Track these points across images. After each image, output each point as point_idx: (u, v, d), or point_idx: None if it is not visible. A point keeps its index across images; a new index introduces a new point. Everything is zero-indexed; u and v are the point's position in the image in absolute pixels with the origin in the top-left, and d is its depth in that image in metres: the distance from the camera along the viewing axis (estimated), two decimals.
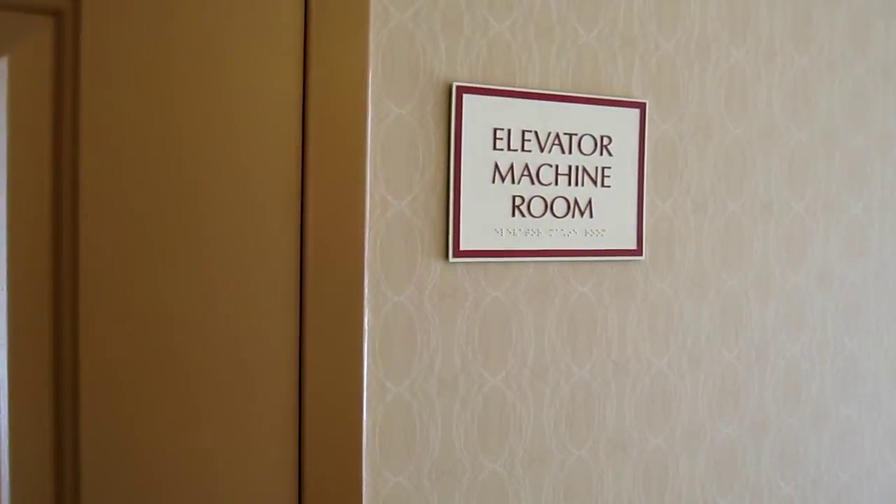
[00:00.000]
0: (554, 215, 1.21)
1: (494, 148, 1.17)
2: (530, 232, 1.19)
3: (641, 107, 1.27)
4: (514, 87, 1.19)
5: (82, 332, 0.96)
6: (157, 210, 0.98)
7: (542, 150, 1.20)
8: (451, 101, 1.14)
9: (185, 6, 0.99)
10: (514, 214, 1.18)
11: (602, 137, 1.24)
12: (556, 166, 1.21)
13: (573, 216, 1.22)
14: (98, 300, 0.96)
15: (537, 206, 1.20)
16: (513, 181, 1.18)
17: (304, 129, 1.06)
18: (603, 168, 1.24)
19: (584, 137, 1.23)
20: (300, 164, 1.06)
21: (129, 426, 0.99)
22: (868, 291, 1.53)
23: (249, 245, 1.03)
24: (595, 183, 1.24)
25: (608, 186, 1.25)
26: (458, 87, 1.14)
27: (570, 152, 1.22)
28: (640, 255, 1.28)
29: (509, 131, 1.18)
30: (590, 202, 1.24)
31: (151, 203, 0.98)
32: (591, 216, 1.24)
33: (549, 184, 1.21)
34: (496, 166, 1.17)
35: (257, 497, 1.06)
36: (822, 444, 1.50)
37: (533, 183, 1.19)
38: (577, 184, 1.23)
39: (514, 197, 1.18)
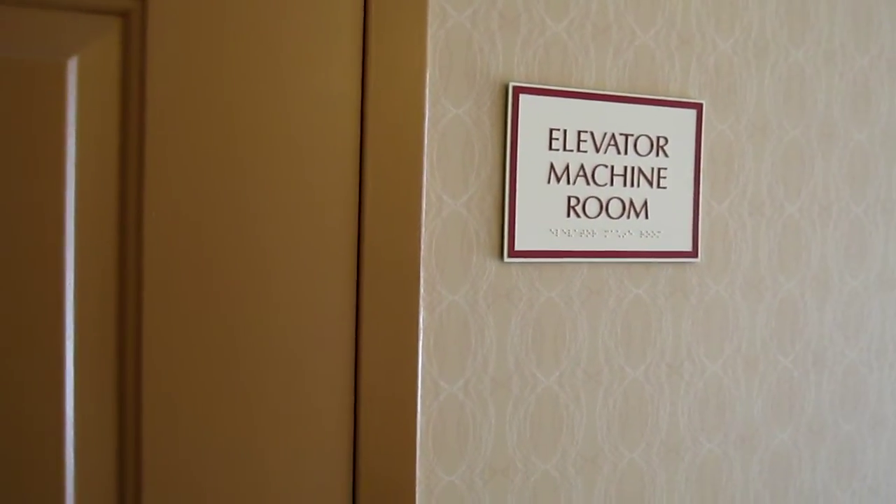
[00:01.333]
0: (609, 216, 1.20)
1: (550, 148, 1.16)
2: (585, 233, 1.19)
3: (698, 107, 1.26)
4: (570, 87, 1.18)
5: (146, 330, 0.97)
6: (218, 210, 1.00)
7: (597, 150, 1.19)
8: (508, 101, 1.14)
9: (246, 8, 1.00)
10: (569, 215, 1.18)
11: (658, 138, 1.23)
12: (612, 167, 1.20)
13: (628, 217, 1.22)
14: (161, 300, 0.98)
15: (592, 207, 1.19)
16: (568, 181, 1.18)
17: (362, 129, 1.07)
18: (659, 169, 1.23)
19: (640, 138, 1.22)
20: (358, 163, 1.07)
21: (189, 426, 1.00)
22: None
23: (307, 245, 1.05)
24: (651, 184, 1.23)
25: (664, 187, 1.24)
26: (514, 87, 1.14)
27: (626, 153, 1.21)
28: (696, 256, 1.27)
29: (565, 131, 1.17)
30: (645, 203, 1.23)
31: (213, 204, 1.00)
32: (646, 217, 1.23)
33: (605, 184, 1.20)
34: (552, 166, 1.17)
35: (313, 495, 1.07)
36: (880, 452, 1.47)
37: (588, 183, 1.19)
38: (632, 185, 1.22)
39: (569, 197, 1.18)
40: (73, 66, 0.94)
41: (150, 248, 0.97)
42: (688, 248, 1.26)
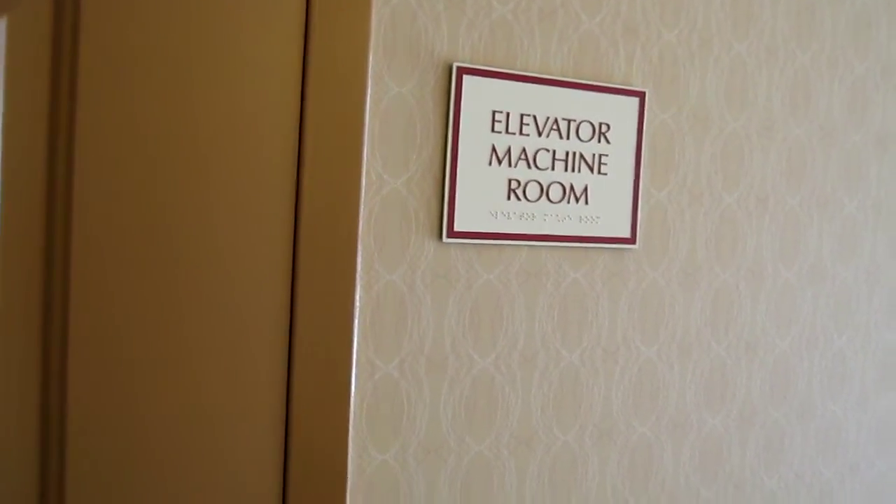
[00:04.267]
0: (549, 200, 1.21)
1: (493, 130, 1.17)
2: (525, 216, 1.20)
3: (641, 96, 1.27)
4: (514, 70, 1.18)
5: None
6: (155, 177, 0.98)
7: (539, 134, 1.20)
8: (451, 82, 1.14)
9: None
10: (509, 198, 1.18)
11: (600, 124, 1.24)
12: (554, 151, 1.21)
13: (568, 202, 1.23)
14: (94, 266, 0.96)
15: (533, 191, 1.20)
16: (510, 164, 1.18)
17: (302, 104, 1.06)
18: (600, 155, 1.24)
19: (582, 124, 1.23)
20: (297, 137, 1.06)
21: (121, 384, 0.99)
22: (859, 290, 1.54)
23: (244, 216, 1.03)
24: (592, 170, 1.24)
25: (604, 174, 1.25)
26: (458, 68, 1.14)
27: (568, 138, 1.22)
28: (634, 243, 1.28)
29: (508, 114, 1.18)
30: (586, 189, 1.24)
31: (149, 171, 0.98)
32: (586, 203, 1.24)
33: (546, 168, 1.21)
34: (493, 149, 1.17)
35: (242, 470, 1.06)
36: (808, 439, 1.51)
37: (529, 167, 1.20)
38: (573, 170, 1.23)
39: (510, 180, 1.18)
40: (1, 27, 0.91)
41: (79, 201, 0.95)
42: (626, 234, 1.27)
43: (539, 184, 1.20)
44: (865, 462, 1.59)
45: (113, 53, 0.96)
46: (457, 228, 1.15)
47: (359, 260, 1.10)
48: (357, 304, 1.10)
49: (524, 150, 1.19)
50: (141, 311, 0.99)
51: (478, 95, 1.15)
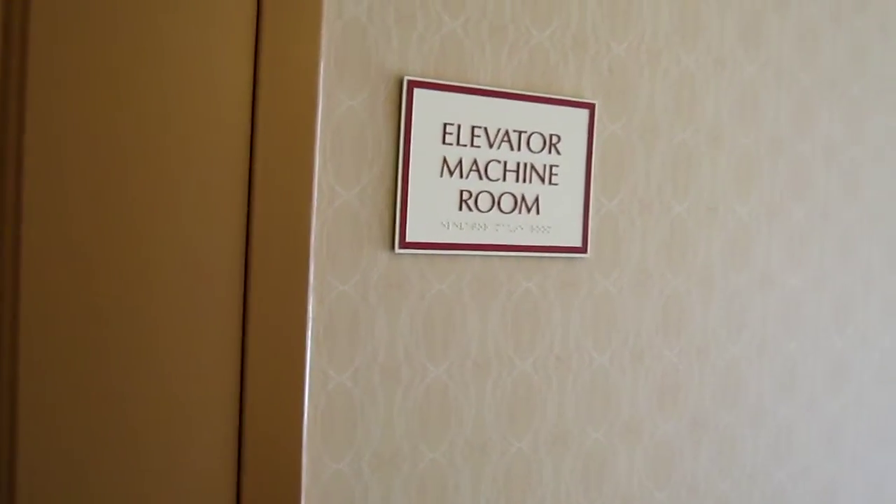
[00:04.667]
0: (501, 211, 1.23)
1: (444, 142, 1.19)
2: (477, 226, 1.22)
3: (591, 107, 1.30)
4: (465, 83, 1.21)
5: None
6: (105, 185, 0.99)
7: (491, 146, 1.22)
8: (402, 95, 1.16)
9: None
10: (461, 208, 1.20)
11: (551, 136, 1.27)
12: (505, 163, 1.23)
13: (520, 212, 1.25)
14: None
15: (485, 201, 1.22)
16: (461, 176, 1.20)
17: (253, 117, 1.07)
18: (551, 166, 1.27)
19: (533, 135, 1.25)
20: (248, 151, 1.07)
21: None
22: (808, 296, 1.58)
23: (194, 230, 1.04)
24: (543, 180, 1.26)
25: (556, 184, 1.27)
26: (409, 82, 1.16)
27: (519, 149, 1.24)
28: (585, 252, 1.31)
29: (459, 126, 1.20)
30: (537, 199, 1.26)
31: (98, 179, 0.98)
32: (537, 213, 1.26)
33: (497, 179, 1.23)
34: (445, 160, 1.19)
35: (195, 483, 1.07)
36: (759, 442, 1.54)
37: (481, 178, 1.22)
38: (524, 181, 1.25)
39: (461, 191, 1.20)
40: None
41: (29, 215, 0.96)
42: (578, 243, 1.30)
43: (490, 194, 1.22)
44: (816, 464, 1.62)
45: (62, 61, 0.96)
46: (409, 239, 1.17)
47: (311, 271, 1.11)
48: (310, 314, 1.11)
49: (475, 161, 1.21)
50: (90, 321, 0.99)
51: (429, 108, 1.17)
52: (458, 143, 1.20)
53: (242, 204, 1.07)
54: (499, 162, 1.23)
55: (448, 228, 1.19)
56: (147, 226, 1.02)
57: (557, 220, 1.28)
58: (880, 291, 1.68)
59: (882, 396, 1.71)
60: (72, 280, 0.98)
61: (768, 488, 1.56)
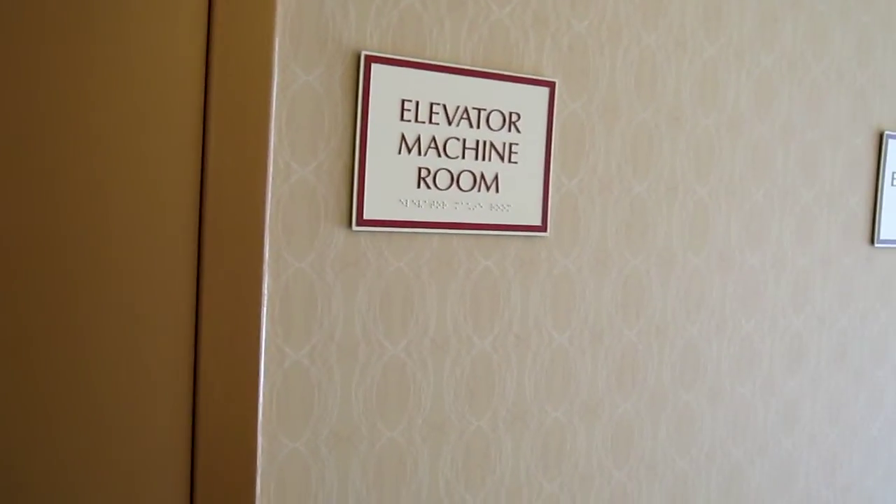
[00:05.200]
0: (460, 189, 1.22)
1: (402, 119, 1.17)
2: (435, 204, 1.21)
3: (551, 85, 1.29)
4: (424, 59, 1.19)
5: None
6: (52, 159, 0.96)
7: (450, 123, 1.21)
8: (360, 70, 1.14)
9: None
10: (419, 186, 1.19)
11: (511, 114, 1.26)
12: (464, 140, 1.22)
13: (479, 190, 1.24)
14: None
15: (443, 179, 1.21)
16: (419, 153, 1.19)
17: (206, 90, 1.05)
18: (510, 144, 1.26)
19: (492, 113, 1.24)
20: (201, 125, 1.05)
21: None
22: (766, 276, 1.59)
23: (146, 205, 1.02)
24: (502, 158, 1.26)
25: (515, 162, 1.27)
26: (366, 57, 1.14)
27: (479, 127, 1.23)
28: (545, 231, 1.30)
29: (417, 103, 1.18)
30: (496, 177, 1.25)
31: (47, 150, 0.96)
32: (496, 191, 1.26)
33: (456, 157, 1.22)
34: (403, 137, 1.18)
35: (147, 460, 1.05)
36: (717, 421, 1.56)
37: (440, 155, 1.21)
38: (484, 158, 1.24)
39: (419, 168, 1.19)
40: None
41: None
42: (537, 222, 1.30)
43: (449, 172, 1.22)
44: (773, 442, 1.64)
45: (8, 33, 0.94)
46: (366, 216, 1.16)
47: (266, 248, 1.09)
48: (265, 292, 1.10)
49: (434, 138, 1.20)
50: (38, 297, 0.97)
51: (387, 84, 1.16)
52: (416, 120, 1.18)
53: (195, 180, 1.05)
54: (458, 139, 1.22)
55: (406, 206, 1.18)
56: (94, 201, 0.99)
57: (517, 199, 1.27)
58: (837, 272, 1.70)
59: (838, 376, 1.73)
60: (19, 265, 0.96)
61: (725, 466, 1.58)
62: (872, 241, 1.74)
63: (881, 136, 1.73)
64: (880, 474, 1.84)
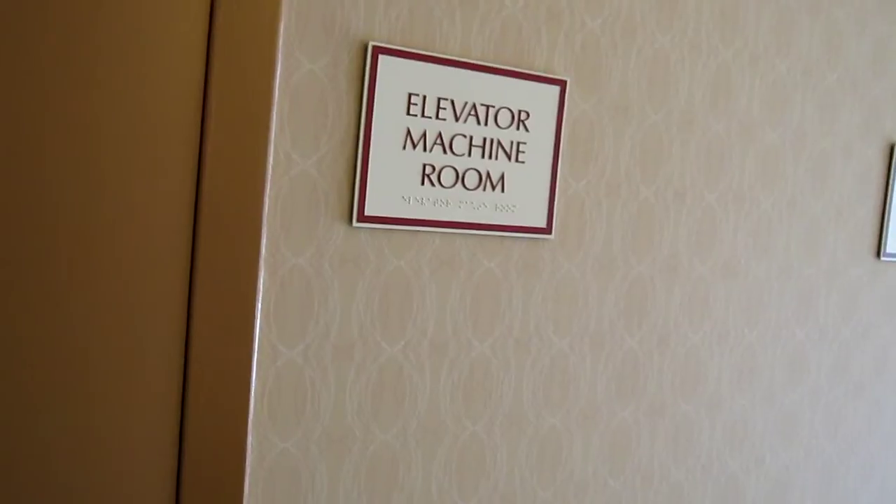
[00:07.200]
0: (465, 187, 1.19)
1: (408, 113, 1.14)
2: (439, 202, 1.17)
3: (562, 84, 1.25)
4: (433, 52, 1.15)
5: None
6: (51, 152, 0.92)
7: (457, 119, 1.17)
8: (366, 61, 1.10)
9: None
10: (423, 183, 1.16)
11: (520, 112, 1.22)
12: (471, 137, 1.19)
13: (484, 189, 1.20)
14: None
15: (448, 177, 1.17)
16: (424, 149, 1.15)
17: (206, 75, 1.01)
18: (518, 143, 1.23)
19: (501, 110, 1.21)
20: (200, 112, 1.01)
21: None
22: (771, 286, 1.56)
23: (141, 194, 0.98)
24: (509, 157, 1.22)
25: (522, 162, 1.23)
26: (374, 47, 1.10)
27: (486, 124, 1.20)
28: (550, 233, 1.27)
29: (424, 97, 1.15)
30: (502, 177, 1.22)
31: (46, 142, 0.92)
32: (502, 191, 1.22)
33: (462, 154, 1.18)
34: (408, 132, 1.14)
35: (134, 459, 1.02)
36: (715, 432, 1.53)
37: (445, 152, 1.17)
38: (490, 157, 1.20)
39: (424, 165, 1.15)
40: None
41: None
42: (542, 224, 1.26)
43: (455, 170, 1.18)
44: (771, 455, 1.62)
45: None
46: (367, 213, 1.12)
47: (263, 242, 1.06)
48: (260, 287, 1.06)
49: (440, 134, 1.16)
50: (31, 291, 0.94)
51: (394, 76, 1.12)
52: (422, 115, 1.15)
53: (192, 168, 1.01)
54: (464, 136, 1.18)
55: (409, 203, 1.15)
56: (91, 192, 0.95)
57: (522, 200, 1.24)
58: (842, 285, 1.67)
59: (838, 389, 1.71)
60: (10, 257, 0.92)
61: (722, 478, 1.55)
62: (879, 255, 1.71)
63: (892, 147, 1.70)
64: (876, 490, 1.82)
